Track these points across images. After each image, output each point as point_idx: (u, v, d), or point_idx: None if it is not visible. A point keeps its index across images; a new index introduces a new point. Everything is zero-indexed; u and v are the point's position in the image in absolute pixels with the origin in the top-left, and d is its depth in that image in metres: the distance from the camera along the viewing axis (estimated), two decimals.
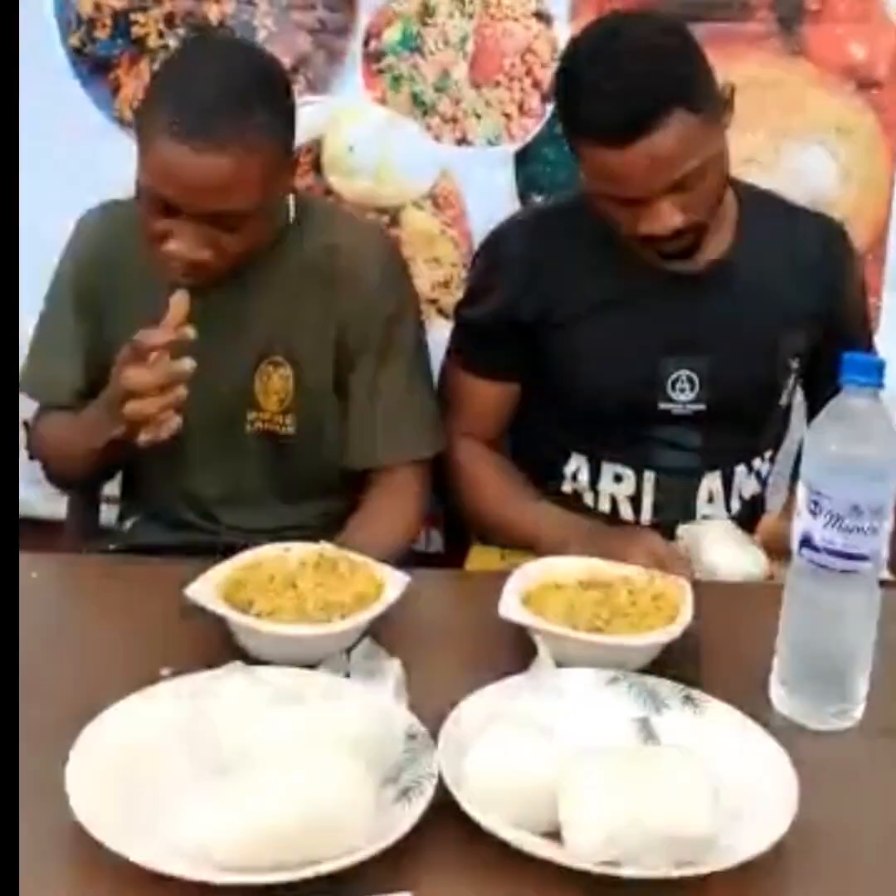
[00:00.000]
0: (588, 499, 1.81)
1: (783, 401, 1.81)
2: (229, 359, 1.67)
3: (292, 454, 1.73)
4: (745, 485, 1.82)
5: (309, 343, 1.69)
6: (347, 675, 1.18)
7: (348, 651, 1.22)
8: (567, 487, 1.82)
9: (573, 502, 1.80)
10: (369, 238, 1.76)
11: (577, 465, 1.80)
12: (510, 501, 1.77)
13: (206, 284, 1.56)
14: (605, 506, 1.80)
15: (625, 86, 1.50)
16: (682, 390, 1.73)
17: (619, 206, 1.60)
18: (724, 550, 1.63)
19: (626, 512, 1.79)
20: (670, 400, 1.73)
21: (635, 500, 1.78)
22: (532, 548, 1.64)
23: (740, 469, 1.80)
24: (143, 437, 1.44)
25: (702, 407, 1.73)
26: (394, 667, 1.10)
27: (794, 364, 1.78)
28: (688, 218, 1.58)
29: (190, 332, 1.44)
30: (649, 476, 1.77)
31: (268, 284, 1.66)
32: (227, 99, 1.47)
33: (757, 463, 1.82)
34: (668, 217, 1.57)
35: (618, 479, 1.78)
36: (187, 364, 1.42)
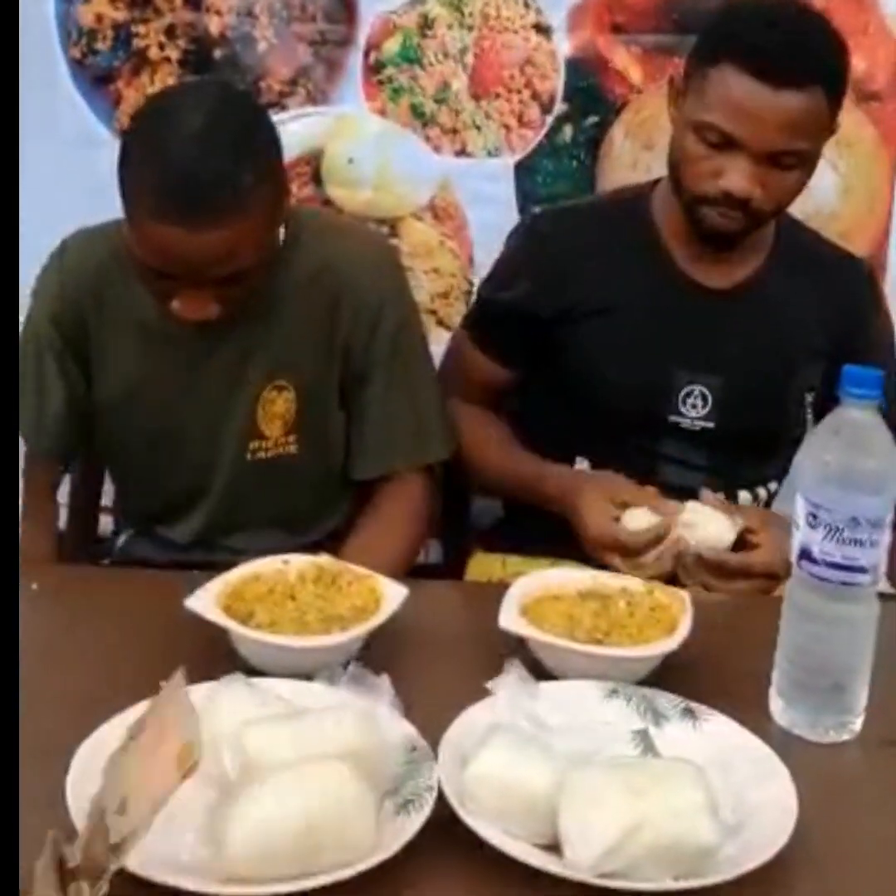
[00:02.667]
0: None
1: (794, 434, 1.77)
2: (234, 394, 1.64)
3: (293, 474, 1.70)
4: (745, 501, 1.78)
5: (313, 363, 1.67)
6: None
7: (345, 665, 1.22)
8: None
9: None
10: (365, 249, 1.74)
11: (582, 468, 1.78)
12: (512, 452, 1.80)
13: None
14: None
15: (798, 35, 1.58)
16: (694, 406, 1.72)
17: (708, 150, 1.60)
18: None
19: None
20: (680, 414, 1.72)
21: None
22: (535, 494, 1.70)
23: (744, 495, 1.78)
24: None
25: (711, 425, 1.73)
26: (384, 684, 1.10)
27: (809, 398, 1.76)
28: (762, 196, 1.60)
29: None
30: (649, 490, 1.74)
31: (269, 311, 1.62)
32: (212, 169, 1.39)
33: (762, 492, 1.80)
34: (751, 181, 1.59)
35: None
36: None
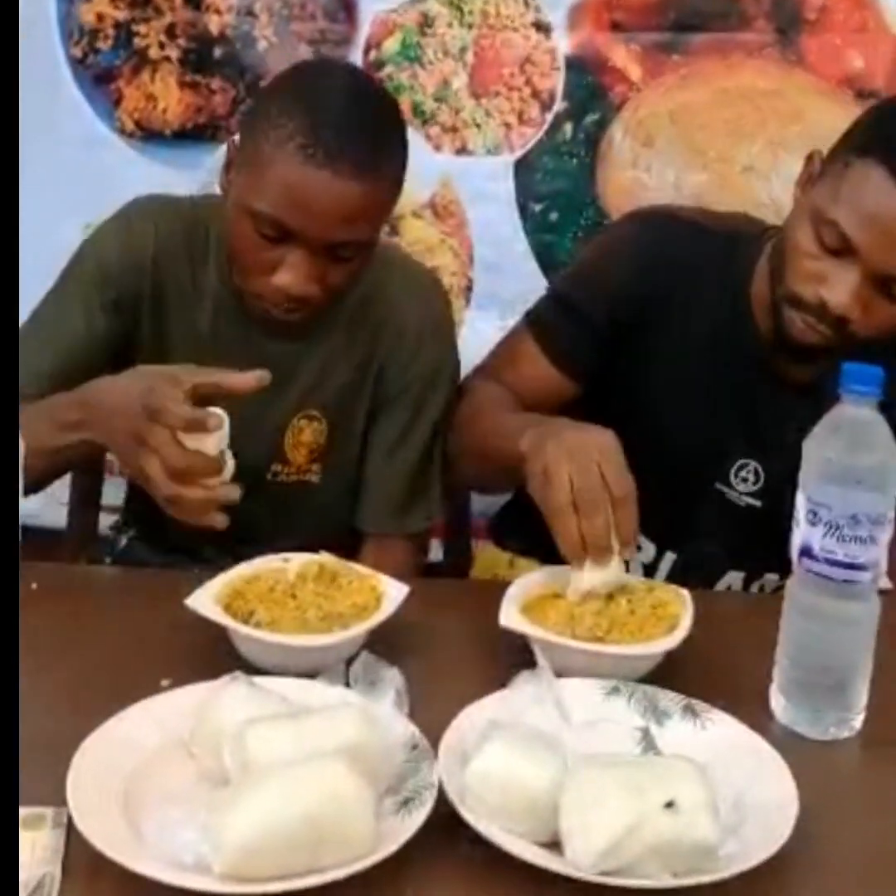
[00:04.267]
0: None
1: None
2: (265, 416, 1.61)
3: (311, 500, 1.68)
4: (770, 577, 1.72)
5: (346, 396, 1.65)
6: (347, 685, 1.18)
7: (348, 662, 1.22)
8: None
9: None
10: (420, 289, 1.70)
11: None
12: (500, 414, 1.59)
13: (288, 324, 1.53)
14: None
15: None
16: (744, 479, 1.64)
17: (820, 250, 1.45)
18: None
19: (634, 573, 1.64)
20: (729, 484, 1.64)
21: (648, 570, 1.69)
22: (508, 456, 1.42)
23: (771, 577, 1.70)
24: (181, 519, 1.30)
25: (757, 503, 1.64)
26: (394, 676, 1.10)
27: None
28: (861, 320, 1.45)
29: (253, 380, 1.33)
30: (669, 558, 1.69)
31: (313, 334, 1.61)
32: (363, 123, 1.42)
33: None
34: (853, 298, 1.43)
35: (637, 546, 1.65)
36: (229, 467, 1.30)
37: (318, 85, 1.46)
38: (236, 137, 1.51)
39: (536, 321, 1.70)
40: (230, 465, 1.30)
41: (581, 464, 1.29)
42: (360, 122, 1.42)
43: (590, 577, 1.30)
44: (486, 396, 1.65)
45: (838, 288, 1.43)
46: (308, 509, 1.68)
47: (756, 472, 1.63)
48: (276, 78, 1.55)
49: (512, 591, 1.33)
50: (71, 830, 0.97)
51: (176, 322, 1.62)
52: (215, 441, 1.28)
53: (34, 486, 1.51)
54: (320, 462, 1.67)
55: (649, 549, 1.68)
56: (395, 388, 1.66)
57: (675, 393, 1.61)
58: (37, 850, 0.96)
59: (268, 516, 1.64)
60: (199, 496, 1.27)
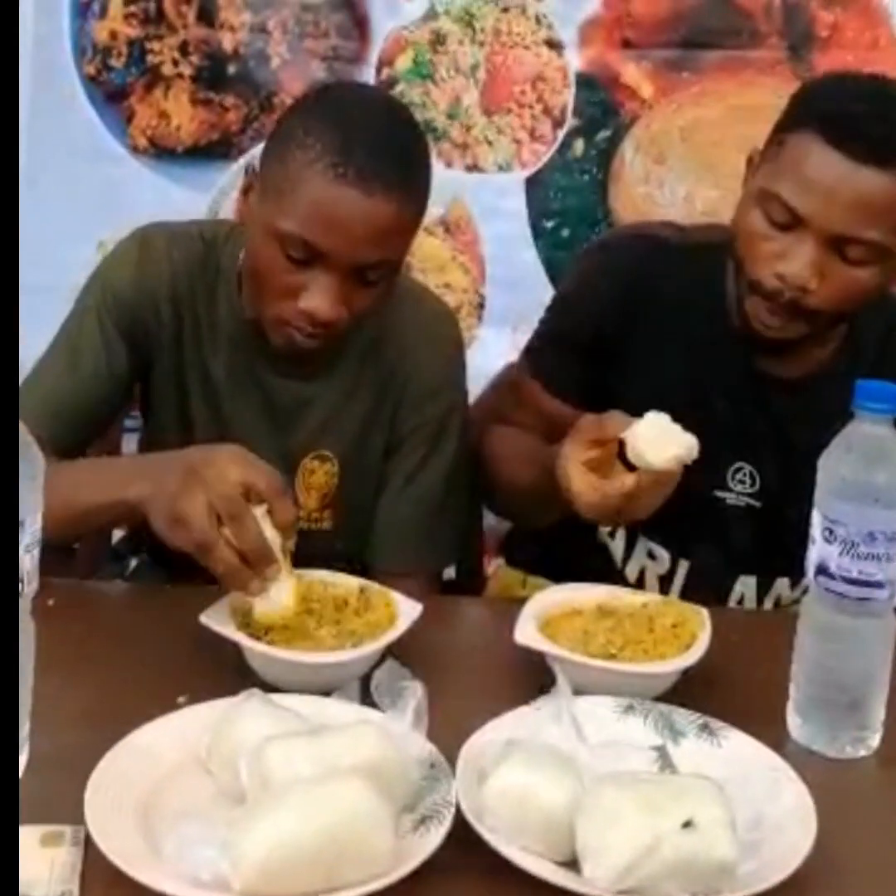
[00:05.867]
0: (617, 558, 1.71)
1: None
2: (276, 456, 1.54)
3: (322, 550, 1.60)
4: (784, 593, 1.71)
5: (358, 436, 1.63)
6: (362, 702, 1.18)
7: (364, 680, 1.22)
8: (600, 539, 1.72)
9: (601, 557, 1.70)
10: (428, 324, 1.68)
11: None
12: (529, 444, 1.62)
13: (300, 362, 1.52)
14: (632, 572, 1.71)
15: (889, 115, 1.42)
16: (742, 481, 1.64)
17: (770, 228, 1.46)
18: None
19: (651, 586, 1.68)
20: (727, 488, 1.64)
21: (664, 581, 1.69)
22: (549, 481, 1.43)
23: (782, 582, 1.69)
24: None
25: (757, 504, 1.65)
26: (415, 689, 1.10)
27: None
28: (817, 285, 1.45)
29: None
30: (684, 565, 1.68)
31: (329, 370, 1.60)
32: (392, 143, 1.41)
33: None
34: (809, 268, 1.43)
35: (651, 555, 1.69)
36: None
37: (346, 105, 1.46)
38: (255, 163, 1.50)
39: (533, 358, 1.73)
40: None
41: None
42: (390, 141, 1.41)
43: None
44: (504, 438, 1.69)
45: (794, 261, 1.44)
46: (320, 555, 1.57)
47: (751, 475, 1.64)
48: (298, 101, 1.54)
49: (528, 609, 1.33)
50: (88, 848, 0.97)
51: (191, 354, 1.60)
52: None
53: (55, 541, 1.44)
54: (332, 508, 1.64)
55: (664, 558, 1.69)
56: (408, 427, 1.64)
57: (662, 405, 1.58)
58: (55, 868, 0.95)
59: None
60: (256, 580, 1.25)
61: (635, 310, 1.63)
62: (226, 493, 1.22)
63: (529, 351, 1.75)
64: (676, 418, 1.50)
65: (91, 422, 1.59)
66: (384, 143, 1.40)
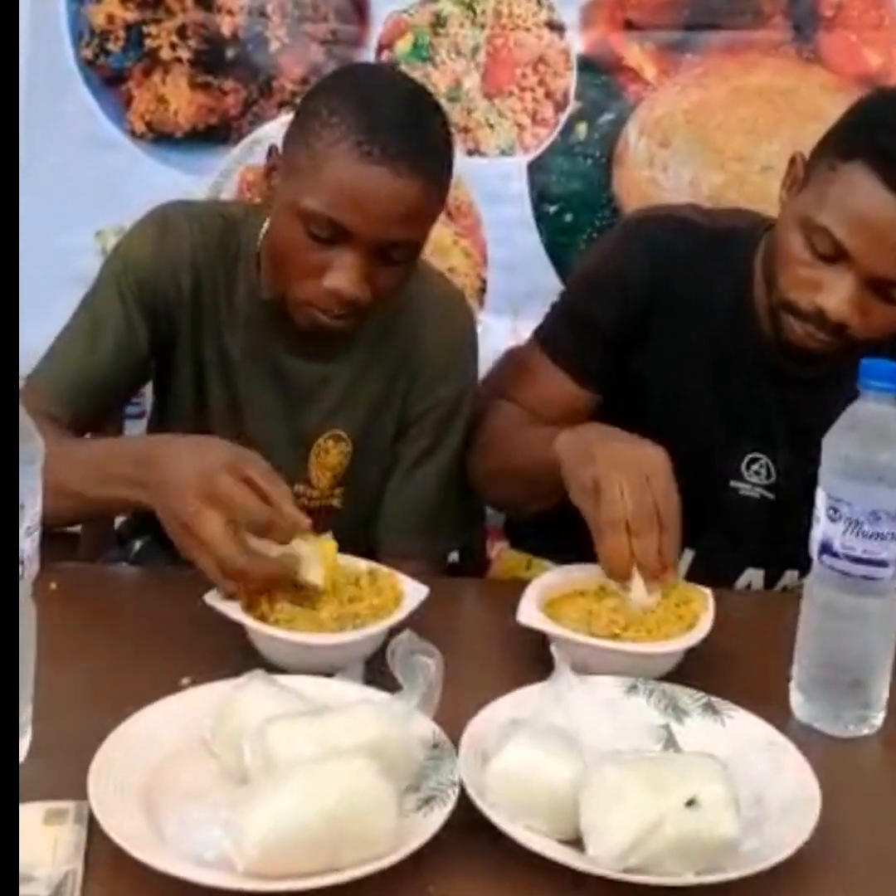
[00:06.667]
0: None
1: None
2: (291, 435, 1.60)
3: (333, 525, 1.55)
4: (791, 584, 1.69)
5: (372, 416, 1.64)
6: (365, 683, 1.18)
7: (368, 661, 1.22)
8: None
9: None
10: (450, 309, 1.69)
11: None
12: (525, 430, 1.58)
13: (316, 343, 1.52)
14: None
15: None
16: (757, 472, 1.63)
17: (813, 257, 1.43)
18: None
19: None
20: (742, 479, 1.63)
21: None
22: (546, 467, 1.42)
23: (791, 574, 1.68)
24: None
25: (771, 496, 1.63)
26: (431, 663, 1.09)
27: None
28: (858, 322, 1.43)
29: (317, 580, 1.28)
30: (689, 553, 1.65)
31: (344, 350, 1.60)
32: (417, 122, 1.42)
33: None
34: (848, 304, 1.41)
35: None
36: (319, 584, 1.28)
37: (370, 86, 1.46)
38: (277, 144, 1.50)
39: (549, 337, 1.69)
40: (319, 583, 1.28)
41: (634, 481, 1.29)
42: (415, 120, 1.42)
43: (637, 596, 1.30)
44: (505, 416, 1.65)
45: (834, 296, 1.42)
46: (327, 530, 1.64)
47: (767, 467, 1.63)
48: (320, 82, 1.55)
49: (531, 590, 1.33)
50: (92, 825, 0.96)
51: (208, 332, 1.60)
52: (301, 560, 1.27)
53: (59, 525, 1.46)
54: (343, 486, 1.65)
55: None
56: (419, 410, 1.65)
57: (682, 392, 1.61)
58: (59, 847, 0.95)
59: None
60: (256, 588, 1.25)
61: (661, 293, 1.60)
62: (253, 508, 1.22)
63: (547, 328, 1.71)
64: (695, 405, 1.52)
65: (110, 397, 1.60)
66: (410, 123, 1.41)
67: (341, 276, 1.42)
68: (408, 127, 1.41)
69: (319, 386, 1.62)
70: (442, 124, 1.48)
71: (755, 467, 1.63)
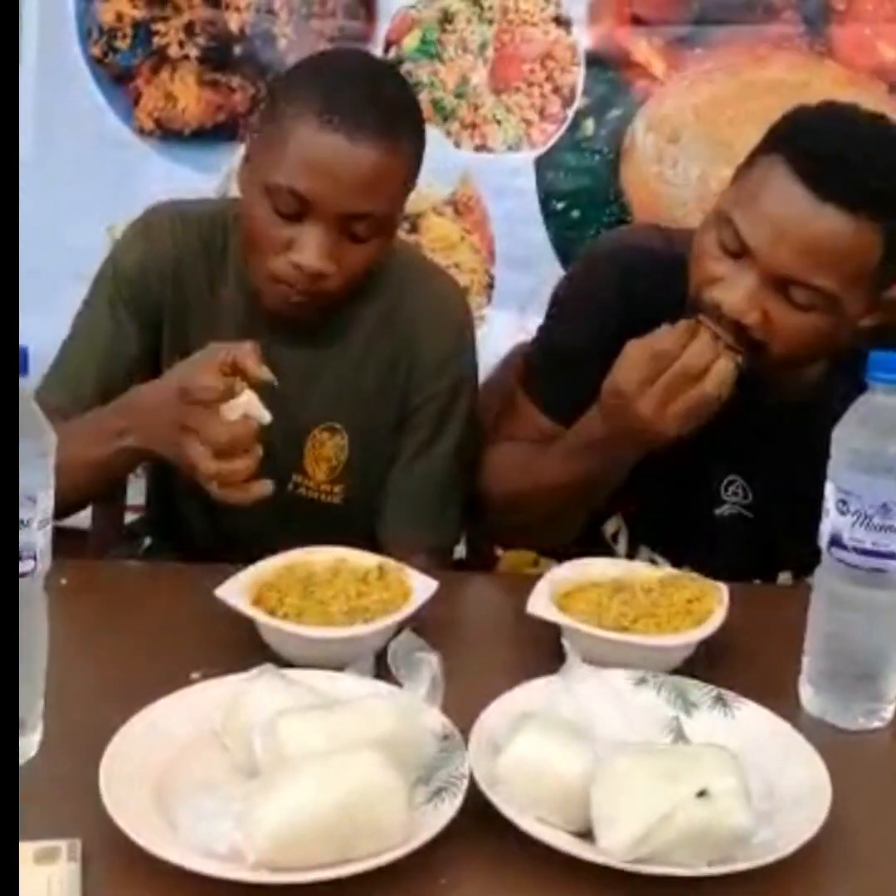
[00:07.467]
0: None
1: None
2: (286, 424, 1.56)
3: (334, 523, 1.63)
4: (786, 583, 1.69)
5: (371, 409, 1.64)
6: (375, 677, 1.18)
7: (378, 656, 1.22)
8: (604, 539, 1.70)
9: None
10: (447, 299, 1.71)
11: (616, 528, 1.69)
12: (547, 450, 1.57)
13: (304, 317, 1.53)
14: None
15: (866, 156, 1.34)
16: (735, 493, 1.63)
17: (719, 254, 1.41)
18: None
19: None
20: (720, 501, 1.64)
21: None
22: (589, 450, 1.47)
23: (784, 577, 1.68)
24: (228, 497, 1.30)
25: (749, 514, 1.64)
26: (432, 660, 1.10)
27: None
28: (757, 322, 1.38)
29: (267, 374, 1.32)
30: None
31: (339, 341, 1.61)
32: (378, 95, 1.45)
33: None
34: (746, 302, 1.37)
35: (653, 562, 1.64)
36: (267, 417, 1.31)
37: (333, 63, 1.52)
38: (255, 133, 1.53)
39: (529, 378, 1.68)
40: (266, 415, 1.31)
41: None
42: (375, 91, 1.45)
43: None
44: (510, 451, 1.65)
45: (732, 290, 1.38)
46: (330, 528, 1.59)
47: (743, 488, 1.63)
48: (289, 69, 1.59)
49: (542, 583, 1.33)
50: (86, 864, 0.94)
51: (196, 331, 1.60)
52: (249, 405, 1.30)
53: (77, 504, 1.55)
54: (342, 483, 1.65)
55: (666, 566, 1.60)
56: (417, 402, 1.66)
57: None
58: (53, 886, 0.91)
59: (289, 528, 1.57)
60: (244, 467, 1.29)
61: (623, 325, 1.53)
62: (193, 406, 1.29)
63: (529, 378, 1.69)
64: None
65: (108, 395, 1.56)
66: (369, 91, 1.45)
67: (306, 249, 1.44)
68: (367, 96, 1.44)
69: (314, 377, 1.62)
70: (404, 94, 1.52)
71: (732, 489, 1.63)
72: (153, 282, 1.60)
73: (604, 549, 1.68)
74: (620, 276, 1.61)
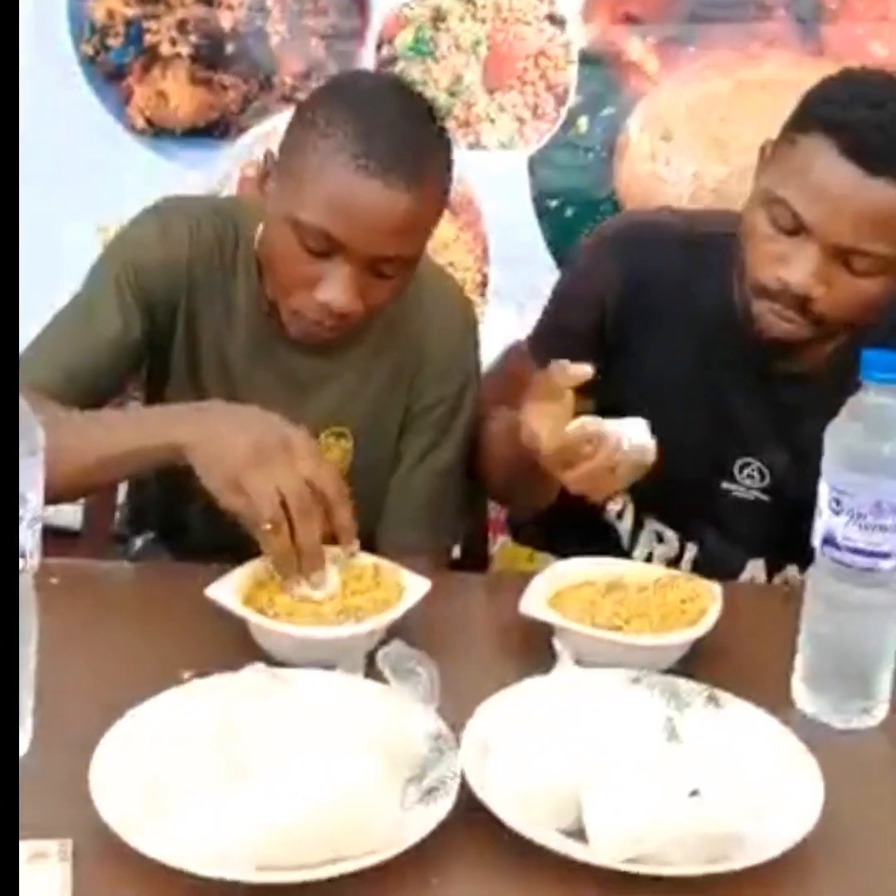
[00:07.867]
0: (625, 542, 1.70)
1: None
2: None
3: None
4: (793, 578, 1.68)
5: (375, 414, 1.64)
6: (366, 677, 1.17)
7: (370, 655, 1.21)
8: (607, 519, 1.71)
9: (608, 541, 1.68)
10: (453, 306, 1.70)
11: (622, 505, 1.69)
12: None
13: (320, 343, 1.52)
14: (640, 556, 1.68)
15: None
16: (751, 476, 1.62)
17: (775, 231, 1.43)
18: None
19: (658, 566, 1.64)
20: (736, 481, 1.63)
21: (672, 565, 1.64)
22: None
23: (792, 569, 1.67)
24: (281, 571, 1.30)
25: (766, 498, 1.63)
26: (425, 666, 1.09)
27: None
28: (822, 294, 1.42)
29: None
30: (692, 548, 1.67)
31: (347, 346, 1.59)
32: (414, 135, 1.40)
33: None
34: (812, 277, 1.40)
35: (660, 538, 1.68)
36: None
37: (368, 96, 1.44)
38: (273, 150, 1.49)
39: (535, 346, 1.69)
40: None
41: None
42: (412, 133, 1.40)
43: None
44: (504, 418, 1.63)
45: (797, 267, 1.41)
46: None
47: (760, 470, 1.62)
48: (319, 90, 1.52)
49: (535, 582, 1.33)
50: (77, 864, 0.94)
51: (206, 331, 1.60)
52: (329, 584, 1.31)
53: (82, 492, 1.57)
54: (348, 487, 1.64)
55: (672, 541, 1.68)
56: (421, 407, 1.65)
57: (669, 398, 1.59)
58: (44, 886, 0.91)
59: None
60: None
61: (636, 303, 1.61)
62: (299, 489, 1.27)
63: (532, 341, 1.72)
64: (681, 412, 1.51)
65: (100, 388, 1.57)
66: (406, 136, 1.39)
67: (334, 289, 1.41)
68: (404, 140, 1.39)
69: (322, 382, 1.61)
70: (440, 138, 1.46)
71: (748, 471, 1.62)
72: (167, 276, 1.57)
73: (607, 529, 1.69)
74: (625, 255, 1.63)
